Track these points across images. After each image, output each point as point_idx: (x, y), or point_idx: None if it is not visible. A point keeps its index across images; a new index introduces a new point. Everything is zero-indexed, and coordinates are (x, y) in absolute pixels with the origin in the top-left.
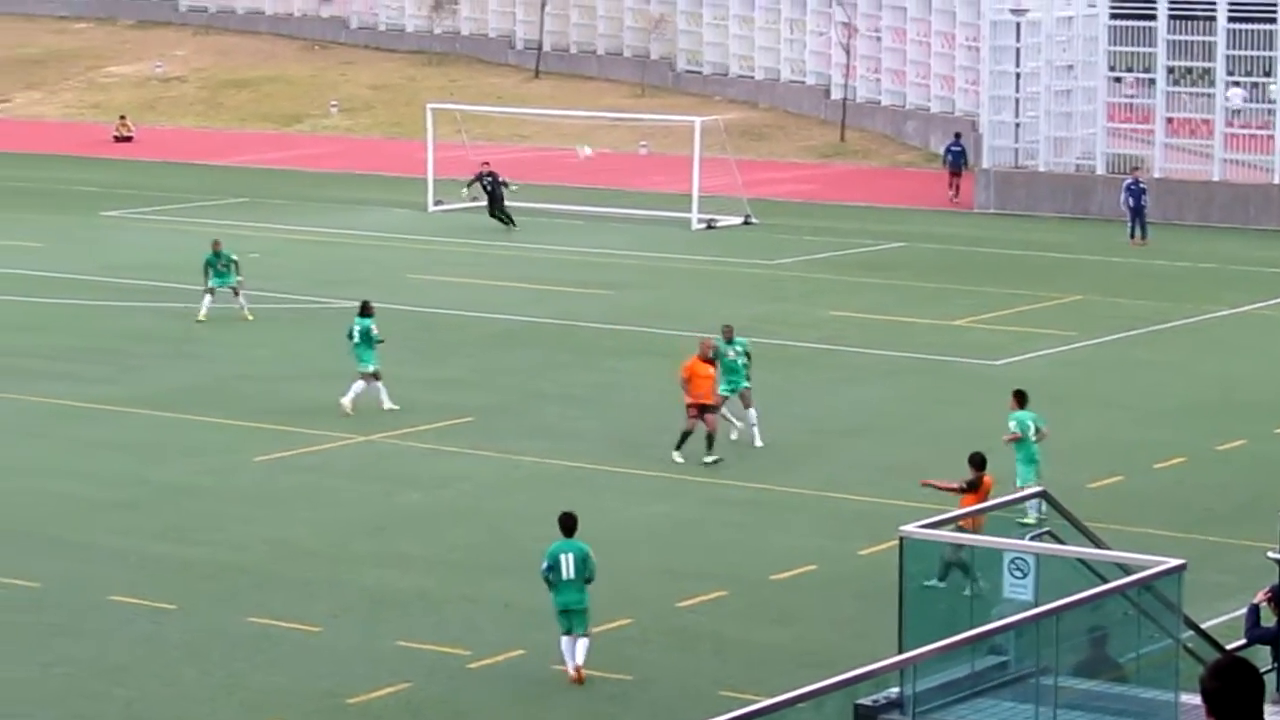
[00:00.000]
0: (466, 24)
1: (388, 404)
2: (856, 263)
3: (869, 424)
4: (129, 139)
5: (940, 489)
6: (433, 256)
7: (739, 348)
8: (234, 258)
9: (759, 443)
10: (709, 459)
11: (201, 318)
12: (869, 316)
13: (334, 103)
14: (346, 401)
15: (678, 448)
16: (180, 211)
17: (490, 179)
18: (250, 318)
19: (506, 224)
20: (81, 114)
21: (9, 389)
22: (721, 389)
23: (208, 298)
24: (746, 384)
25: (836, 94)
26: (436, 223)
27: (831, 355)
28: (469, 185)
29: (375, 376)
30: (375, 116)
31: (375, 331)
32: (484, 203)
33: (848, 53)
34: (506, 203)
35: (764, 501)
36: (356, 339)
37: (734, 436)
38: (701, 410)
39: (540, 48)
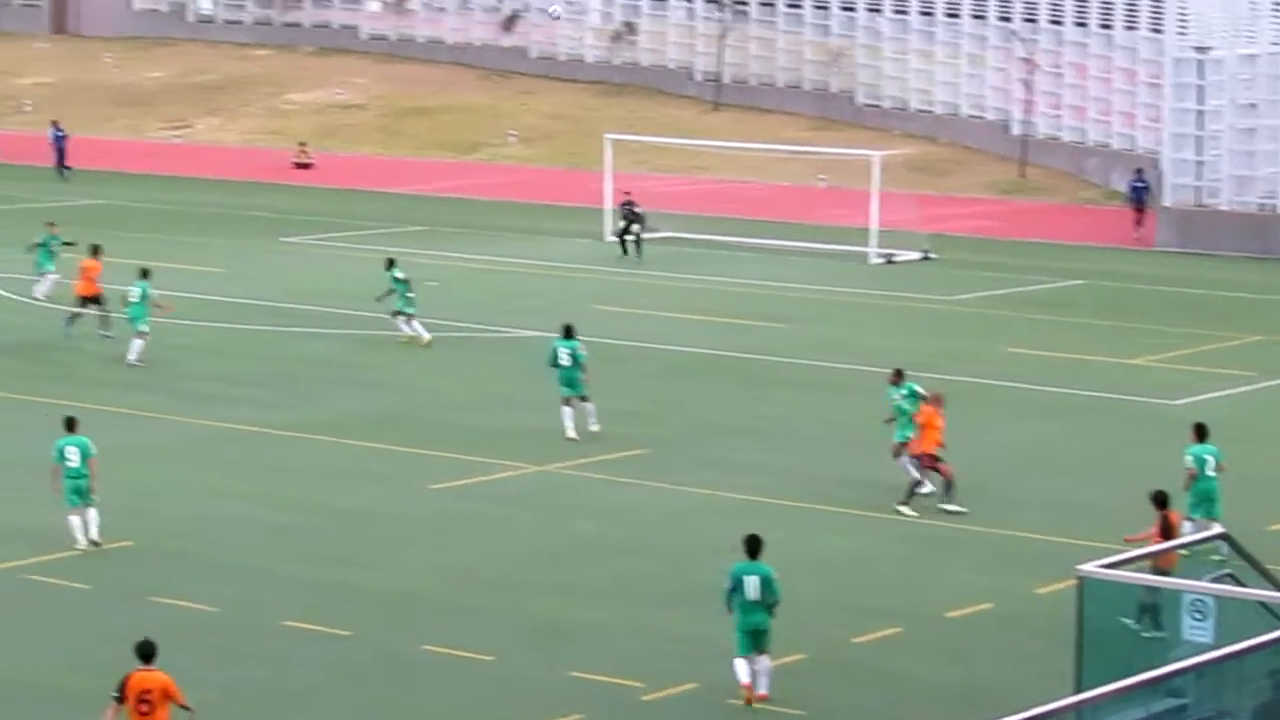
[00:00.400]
0: (646, 55)
1: (588, 427)
2: (1035, 299)
3: (1046, 461)
4: (308, 166)
5: (1140, 540)
6: (609, 287)
7: (905, 392)
8: (399, 275)
9: (928, 487)
10: (950, 507)
11: (425, 342)
12: (1047, 354)
13: (512, 132)
14: (572, 433)
15: (906, 501)
16: (358, 238)
17: (628, 208)
18: (428, 341)
19: (623, 254)
20: (261, 140)
21: (189, 413)
22: (895, 436)
23: (400, 320)
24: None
25: (1016, 130)
26: (613, 253)
27: (1008, 392)
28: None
29: (583, 399)
30: (553, 146)
31: (583, 351)
32: (656, 234)
33: (1028, 88)
34: (630, 234)
35: (941, 538)
36: (567, 362)
37: (926, 490)
38: (934, 460)
39: (719, 80)
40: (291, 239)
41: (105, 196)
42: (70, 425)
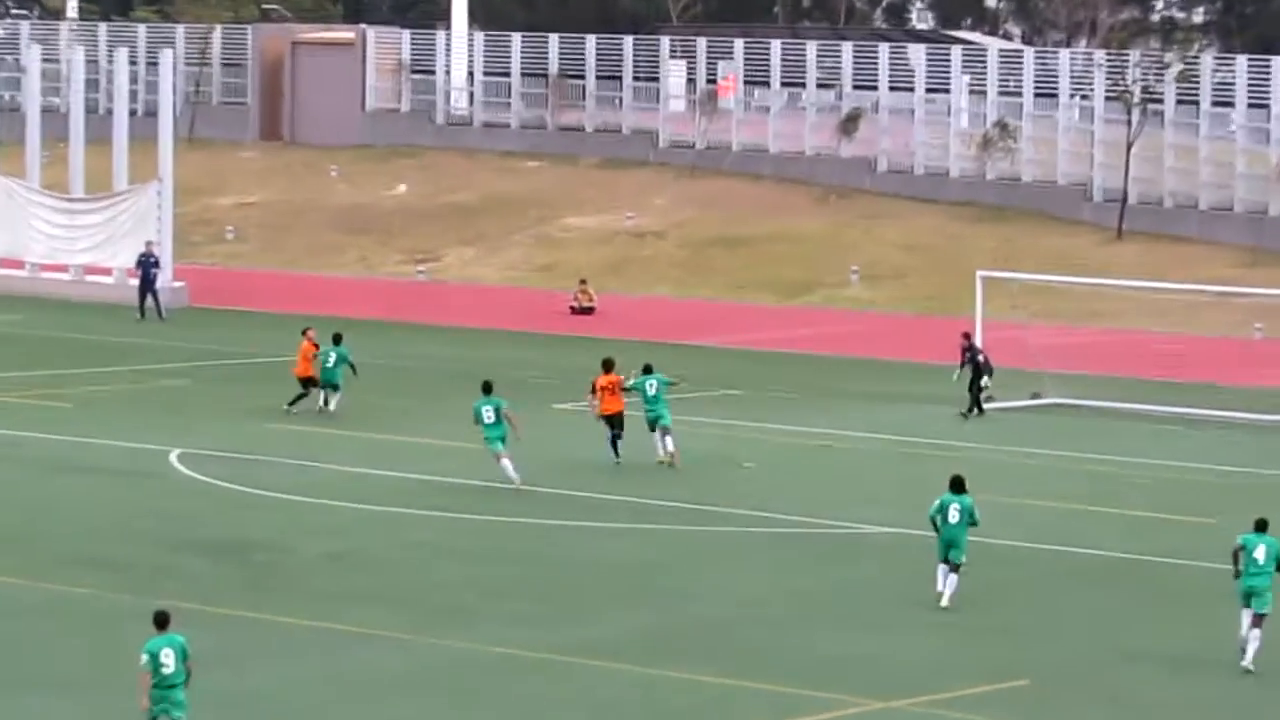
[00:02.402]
0: (1029, 168)
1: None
2: None
3: None
4: (589, 310)
5: None
6: (977, 467)
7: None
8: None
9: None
10: None
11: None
12: None
13: (855, 269)
14: (945, 601)
15: None
16: None
17: (971, 353)
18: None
19: (975, 413)
20: (529, 277)
21: (430, 631)
22: None
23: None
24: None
25: None
26: (980, 425)
27: None
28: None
29: (956, 568)
30: (907, 286)
31: (977, 511)
32: (1040, 400)
33: None
34: (980, 388)
35: None
36: (955, 519)
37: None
38: None
39: (1124, 200)
40: (567, 405)
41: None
42: (162, 623)
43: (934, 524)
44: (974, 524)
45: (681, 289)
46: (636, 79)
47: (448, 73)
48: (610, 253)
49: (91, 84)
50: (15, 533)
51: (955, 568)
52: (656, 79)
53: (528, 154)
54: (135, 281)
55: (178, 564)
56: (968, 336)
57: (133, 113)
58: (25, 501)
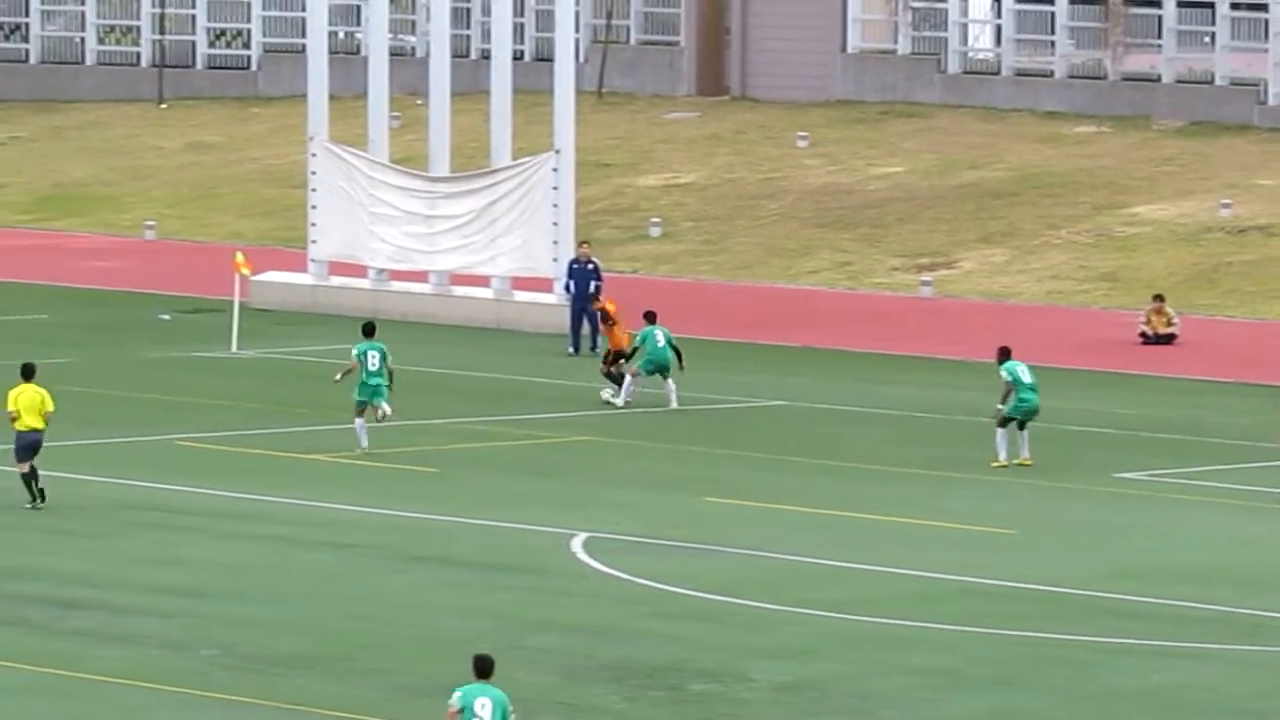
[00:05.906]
0: None
1: None
2: None
3: None
4: (1168, 339)
5: None
6: None
7: None
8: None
9: None
10: None
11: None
12: None
13: None
14: None
15: None
16: (1238, 475)
17: None
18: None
19: None
20: (1081, 292)
21: None
22: None
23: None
24: None
25: None
26: None
27: None
28: None
29: None
30: None
31: None
32: None
33: None
34: None
35: None
36: None
37: None
38: None
39: None
40: (1131, 474)
41: (793, 394)
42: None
43: None
44: None
45: None
46: (1235, 6)
47: None
48: (1199, 256)
49: (459, 15)
50: (353, 649)
51: None
52: (1265, 6)
53: (1078, 115)
54: (554, 298)
55: (584, 697)
56: None
57: (517, 57)
58: (368, 607)
